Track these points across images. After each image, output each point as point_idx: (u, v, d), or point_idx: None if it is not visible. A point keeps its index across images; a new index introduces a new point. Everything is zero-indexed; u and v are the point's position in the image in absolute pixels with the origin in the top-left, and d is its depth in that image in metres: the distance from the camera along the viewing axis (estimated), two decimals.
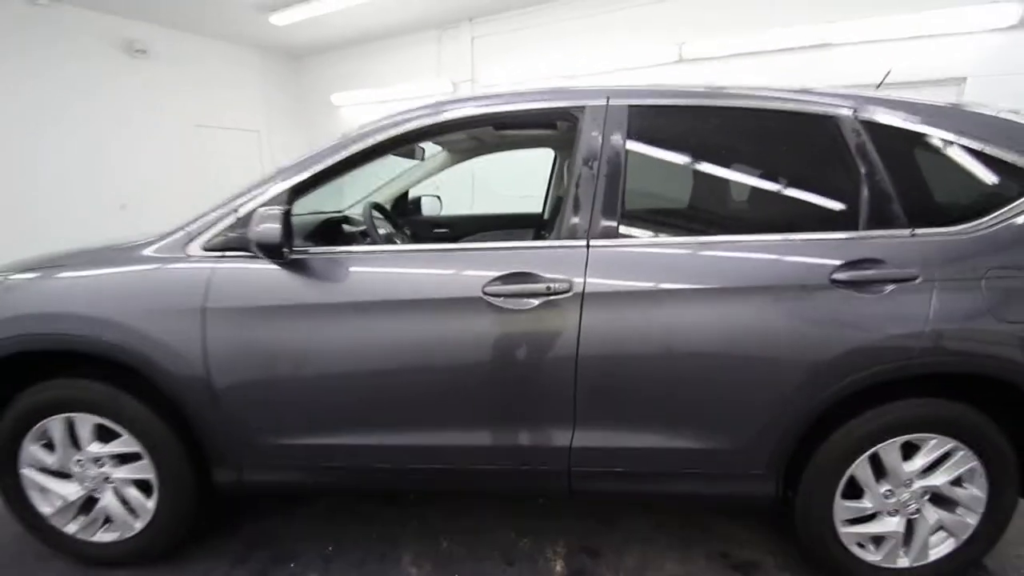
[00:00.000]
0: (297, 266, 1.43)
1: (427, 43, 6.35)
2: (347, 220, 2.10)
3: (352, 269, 1.45)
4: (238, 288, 1.44)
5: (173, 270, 1.47)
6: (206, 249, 1.47)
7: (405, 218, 2.95)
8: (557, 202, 2.90)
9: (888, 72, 2.05)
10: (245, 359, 1.43)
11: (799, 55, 4.41)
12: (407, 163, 2.83)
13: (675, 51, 4.82)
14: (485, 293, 1.38)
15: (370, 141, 1.49)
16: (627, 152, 1.45)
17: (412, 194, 2.99)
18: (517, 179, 6.11)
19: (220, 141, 6.78)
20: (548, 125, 1.93)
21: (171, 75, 6.28)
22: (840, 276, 1.35)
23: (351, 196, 2.93)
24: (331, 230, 1.90)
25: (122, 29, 5.87)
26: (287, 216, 1.35)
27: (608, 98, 1.48)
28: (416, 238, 2.93)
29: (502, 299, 1.38)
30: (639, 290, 1.39)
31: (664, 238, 1.47)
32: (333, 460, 1.51)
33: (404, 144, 1.54)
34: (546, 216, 2.98)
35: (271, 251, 1.35)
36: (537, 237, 2.99)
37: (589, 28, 5.36)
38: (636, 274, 1.40)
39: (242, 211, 1.46)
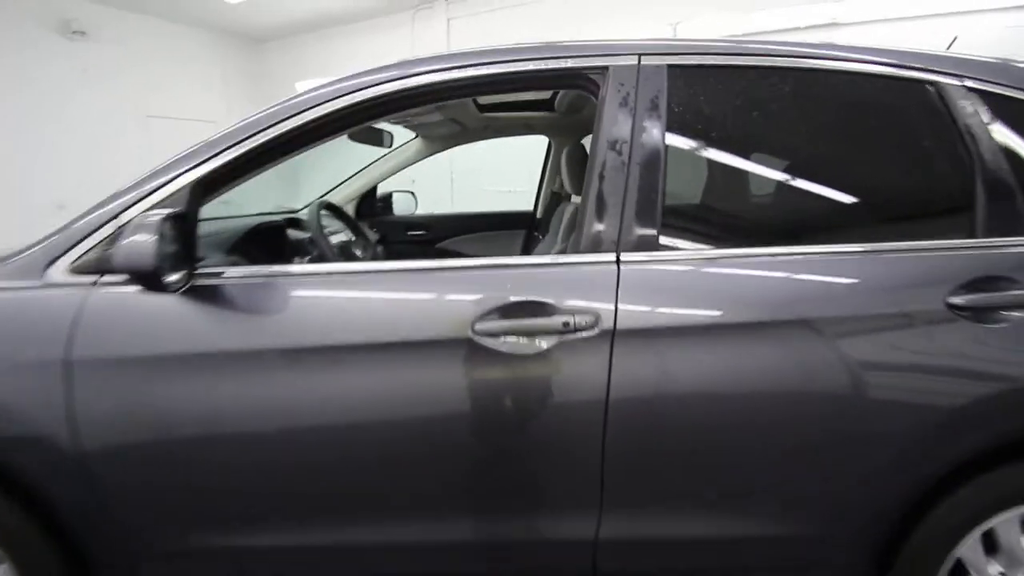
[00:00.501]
0: (205, 296, 1.00)
1: (399, 26, 5.86)
2: (295, 224, 1.66)
3: (285, 299, 1.02)
4: (119, 328, 1.00)
5: (22, 303, 1.02)
6: (75, 272, 1.03)
7: (373, 219, 2.52)
8: (552, 199, 2.50)
9: (954, 39, 1.69)
10: (132, 431, 1.00)
11: (805, 35, 4.08)
12: (375, 152, 2.40)
13: (669, 32, 4.45)
14: (476, 332, 0.97)
15: (309, 116, 1.05)
16: (669, 130, 1.05)
17: (381, 190, 2.56)
18: (502, 171, 5.69)
19: (174, 133, 6.19)
20: (552, 95, 1.51)
21: (116, 60, 5.67)
22: (957, 300, 0.98)
23: (310, 192, 2.49)
24: (269, 240, 1.46)
25: (56, 7, 5.25)
26: (179, 224, 0.92)
27: (640, 56, 1.07)
28: (386, 242, 2.50)
29: (500, 340, 0.98)
30: (692, 324, 0.99)
31: (723, 250, 1.07)
32: (264, 567, 1.08)
33: (359, 120, 1.11)
34: (539, 214, 2.58)
35: (144, 278, 0.91)
36: (529, 239, 2.59)
37: (575, 8, 4.96)
38: (687, 301, 1.01)
39: (127, 216, 1.02)
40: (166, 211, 0.91)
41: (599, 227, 1.03)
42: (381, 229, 2.51)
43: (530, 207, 2.66)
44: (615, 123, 1.05)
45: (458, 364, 0.99)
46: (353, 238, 1.64)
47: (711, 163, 1.12)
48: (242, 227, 1.38)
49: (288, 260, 1.33)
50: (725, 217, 1.14)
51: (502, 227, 2.60)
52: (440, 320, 0.99)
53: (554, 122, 2.21)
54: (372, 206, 2.54)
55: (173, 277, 0.89)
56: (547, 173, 2.51)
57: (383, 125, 1.89)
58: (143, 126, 5.89)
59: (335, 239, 1.78)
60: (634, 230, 1.02)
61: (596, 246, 1.02)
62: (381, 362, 0.98)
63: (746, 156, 1.14)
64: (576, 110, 2.03)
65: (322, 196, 2.42)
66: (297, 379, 0.98)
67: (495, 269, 1.03)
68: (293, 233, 1.58)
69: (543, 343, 0.98)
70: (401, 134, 2.22)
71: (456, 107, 1.81)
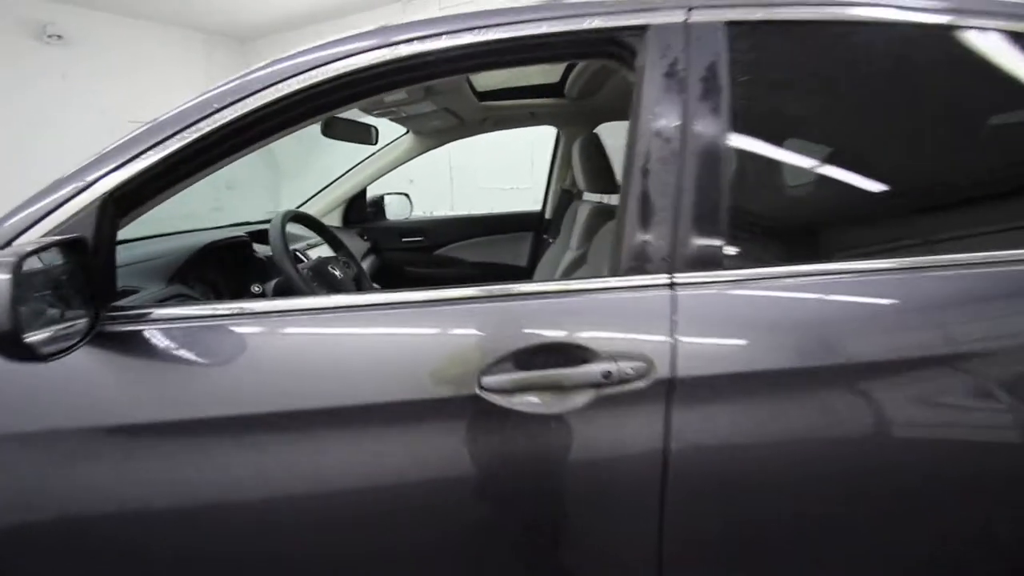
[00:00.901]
0: (120, 347, 0.74)
1: (390, 17, 5.58)
2: (261, 240, 1.40)
3: (228, 348, 0.76)
4: None
5: None
6: None
7: (363, 225, 2.26)
8: (563, 197, 2.23)
9: None
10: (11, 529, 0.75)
11: None
12: (365, 151, 2.14)
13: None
14: (484, 388, 0.71)
15: (256, 102, 0.79)
16: (734, 108, 0.78)
17: (372, 193, 2.30)
18: (504, 167, 5.41)
19: None
20: (561, 78, 1.24)
21: (95, 64, 5.41)
22: None
23: (292, 200, 2.23)
24: (225, 264, 1.19)
25: (31, 11, 5.00)
26: (76, 255, 0.67)
27: (689, 9, 0.81)
28: (378, 251, 2.24)
29: (516, 398, 0.72)
30: (786, 368, 0.73)
31: (822, 264, 0.79)
32: None
33: (327, 105, 0.85)
34: (548, 215, 2.31)
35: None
36: (537, 243, 2.32)
37: None
38: (775, 336, 0.75)
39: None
40: (40, 242, 0.66)
41: (644, 239, 0.77)
42: (372, 236, 2.26)
43: (537, 206, 2.40)
44: (660, 101, 0.78)
45: (460, 432, 0.73)
46: (332, 254, 1.37)
47: (797, 149, 0.85)
48: (189, 247, 1.12)
49: (248, 288, 1.07)
50: (823, 220, 0.86)
51: (507, 230, 2.34)
52: (435, 372, 0.73)
53: (563, 110, 1.94)
54: (362, 211, 2.29)
55: (40, 335, 0.63)
56: (556, 168, 2.25)
57: (365, 119, 1.63)
58: (126, 132, 5.64)
59: (314, 254, 1.53)
60: (693, 241, 0.76)
61: (641, 265, 0.76)
62: (354, 433, 0.73)
63: (845, 139, 0.86)
64: (589, 94, 1.76)
65: (305, 201, 2.17)
66: (241, 460, 0.72)
67: (504, 300, 0.76)
68: (261, 250, 1.33)
69: (575, 401, 0.72)
70: (388, 131, 1.95)
71: (450, 96, 1.55)
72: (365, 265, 2.05)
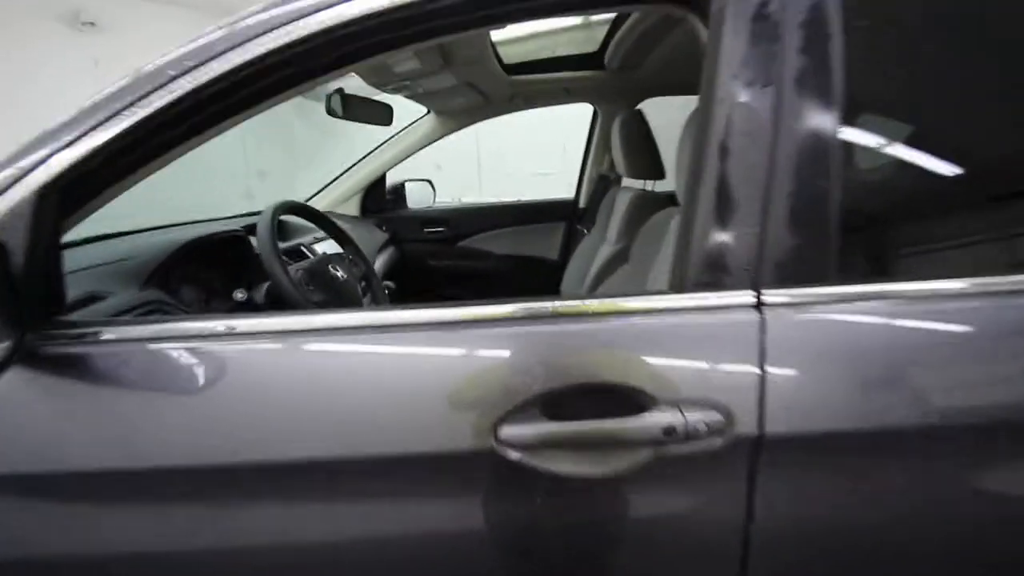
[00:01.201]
0: (55, 369, 0.59)
1: None
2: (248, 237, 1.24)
3: (179, 374, 0.60)
4: None
5: None
6: None
7: (381, 215, 2.11)
8: (599, 183, 2.02)
9: None
10: None
11: None
12: (386, 133, 1.97)
13: None
14: (502, 442, 0.54)
15: (222, 66, 0.62)
16: (848, 62, 0.57)
17: (392, 179, 2.14)
18: (535, 150, 5.18)
19: None
20: (600, 47, 1.03)
21: (127, 50, 5.41)
22: None
23: (307, 189, 2.09)
24: (212, 265, 1.03)
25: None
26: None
27: None
28: (398, 241, 2.08)
29: (544, 456, 0.54)
30: (925, 425, 0.53)
31: (975, 281, 0.56)
32: None
33: (311, 71, 0.67)
34: (583, 203, 2.10)
35: None
36: (570, 234, 2.12)
37: None
38: (907, 380, 0.54)
39: None
40: None
41: (720, 241, 0.57)
42: (392, 226, 2.10)
43: (569, 192, 2.19)
44: (746, 56, 0.58)
45: (468, 499, 0.56)
46: (338, 250, 1.21)
47: (939, 122, 0.62)
48: (170, 244, 0.97)
49: (231, 297, 0.92)
50: (978, 219, 0.62)
51: (537, 219, 2.14)
52: (435, 418, 0.55)
53: (602, 84, 1.72)
54: (380, 199, 2.13)
55: None
56: (592, 151, 2.03)
57: (380, 96, 1.46)
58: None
59: (322, 248, 1.37)
60: (788, 246, 0.56)
61: (716, 277, 0.56)
62: (343, 492, 0.56)
63: (1015, 111, 0.62)
64: (632, 65, 1.53)
65: (321, 190, 2.03)
66: (194, 519, 0.57)
67: (529, 322, 0.57)
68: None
69: (624, 463, 0.54)
70: (406, 111, 1.77)
71: (474, 68, 1.36)
72: (383, 258, 1.89)
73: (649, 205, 1.54)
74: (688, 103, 0.69)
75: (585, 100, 1.89)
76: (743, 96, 0.56)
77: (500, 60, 1.47)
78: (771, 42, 0.57)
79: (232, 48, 0.62)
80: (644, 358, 0.55)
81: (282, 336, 0.58)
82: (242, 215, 1.35)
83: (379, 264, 1.82)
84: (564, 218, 2.12)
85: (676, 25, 1.20)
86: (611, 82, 1.68)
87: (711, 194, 0.56)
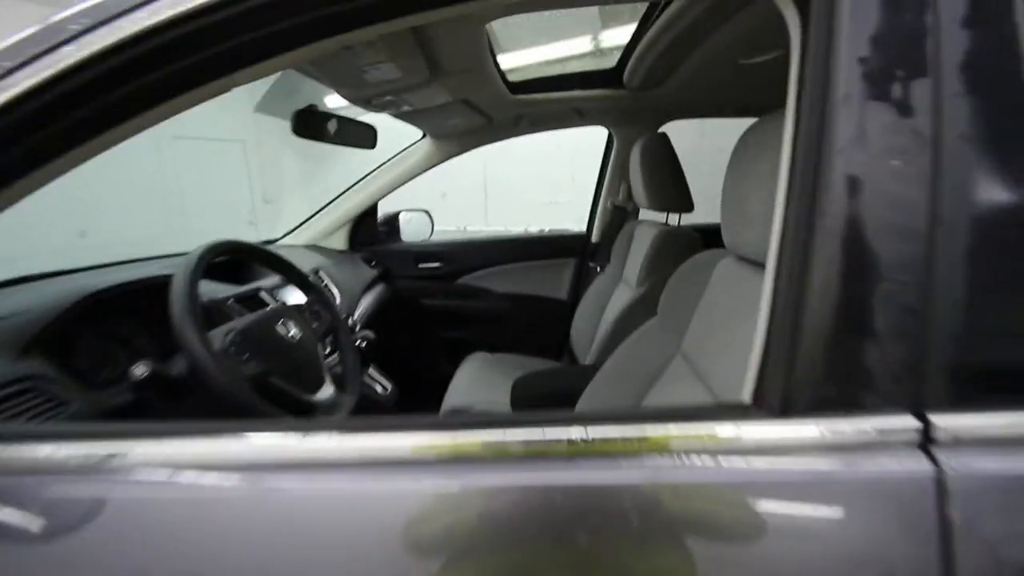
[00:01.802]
0: None
1: None
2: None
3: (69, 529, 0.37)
4: None
5: None
6: None
7: (372, 248, 1.90)
8: (614, 216, 1.80)
9: None
10: None
11: None
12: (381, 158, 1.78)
13: None
14: None
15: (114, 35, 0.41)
16: None
17: (383, 210, 1.94)
18: (544, 178, 5.01)
19: (198, 154, 5.86)
20: (620, 62, 0.83)
21: None
22: None
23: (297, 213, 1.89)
24: (153, 314, 0.80)
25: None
26: None
27: None
28: (389, 279, 1.87)
29: None
30: None
31: None
32: None
33: (245, 54, 0.46)
34: (595, 237, 1.88)
35: None
36: (580, 272, 1.90)
37: None
38: None
39: None
40: None
41: (855, 331, 0.33)
42: (384, 261, 1.89)
43: (579, 226, 1.97)
44: (882, 33, 0.35)
45: None
46: (299, 302, 0.98)
47: None
48: (66, 295, 0.75)
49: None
50: None
51: (544, 254, 1.92)
52: None
53: (620, 104, 1.52)
54: (371, 231, 1.92)
55: None
56: (607, 179, 1.82)
57: (365, 117, 1.27)
58: (166, 148, 5.58)
59: (285, 296, 1.15)
60: (976, 344, 0.32)
61: (848, 392, 0.33)
62: None
63: None
64: (656, 82, 1.33)
65: (304, 222, 1.83)
66: None
67: (533, 466, 0.34)
68: (214, 291, 0.94)
69: None
70: (393, 132, 1.57)
71: (470, 82, 1.16)
72: (371, 297, 1.67)
73: (677, 244, 1.31)
74: (721, 126, 0.47)
75: (600, 122, 1.69)
76: (878, 94, 0.34)
77: (504, 77, 1.28)
78: (922, 10, 0.34)
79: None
80: (717, 533, 0.31)
81: (148, 469, 0.36)
82: (176, 254, 1.13)
83: (367, 304, 1.60)
84: (574, 253, 1.90)
85: (712, 31, 1.00)
86: (630, 102, 1.48)
87: (833, 253, 0.33)
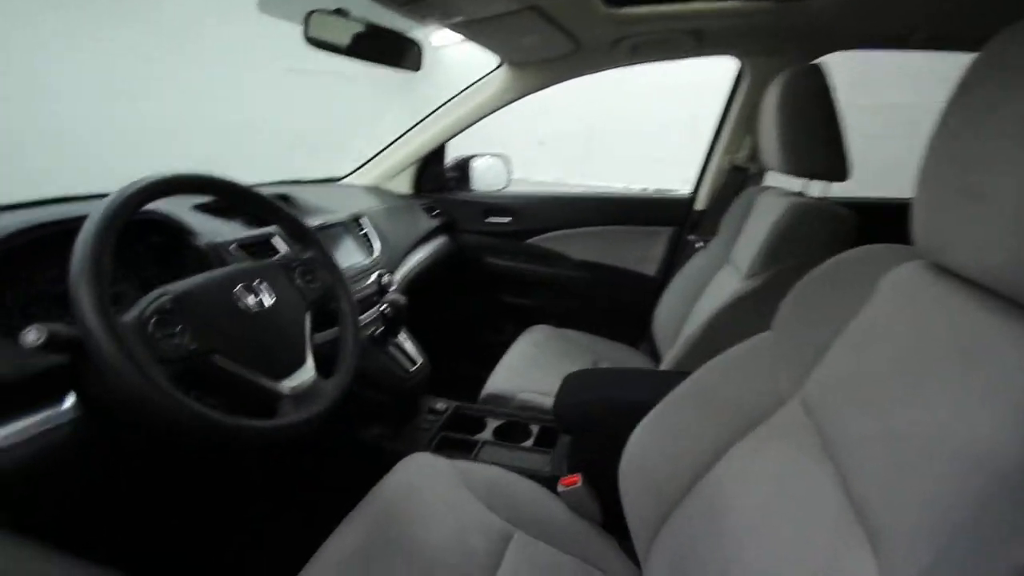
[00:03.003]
0: None
1: None
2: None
3: None
4: None
5: None
6: None
7: (435, 195, 1.69)
8: (730, 178, 1.41)
9: None
10: None
11: None
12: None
13: None
14: None
15: None
16: None
17: (453, 154, 1.71)
18: (660, 128, 4.45)
19: (310, 88, 6.01)
20: None
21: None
22: None
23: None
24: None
25: None
26: None
27: None
28: (451, 231, 1.66)
29: None
30: None
31: None
32: None
33: None
34: (700, 204, 1.50)
35: None
36: (676, 245, 1.55)
37: None
38: None
39: None
40: None
41: None
42: (448, 211, 1.68)
43: (684, 188, 1.60)
44: None
45: None
46: (288, 250, 0.78)
47: None
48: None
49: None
50: None
51: (635, 218, 1.59)
52: None
53: (760, 23, 1.11)
54: (438, 177, 1.71)
55: None
56: (726, 130, 1.41)
57: (405, 28, 1.01)
58: (280, 81, 5.78)
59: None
60: None
61: None
62: None
63: None
64: None
65: (364, 164, 1.65)
66: None
67: None
68: (206, 231, 0.77)
69: None
70: (451, 54, 1.30)
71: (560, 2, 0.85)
72: (428, 250, 1.48)
73: (818, 224, 0.94)
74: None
75: (726, 50, 1.28)
76: None
77: None
78: None
79: None
80: None
81: None
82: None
83: (418, 258, 1.41)
84: (672, 221, 1.54)
85: None
86: (774, 19, 1.06)
87: None
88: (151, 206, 0.79)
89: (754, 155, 1.33)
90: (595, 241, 1.62)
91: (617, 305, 1.62)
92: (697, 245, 1.43)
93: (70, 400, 0.60)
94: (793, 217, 0.97)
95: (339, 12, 0.84)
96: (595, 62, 1.31)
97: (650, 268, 1.58)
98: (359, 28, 0.85)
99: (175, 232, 0.82)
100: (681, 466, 0.65)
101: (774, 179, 1.22)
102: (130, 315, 0.53)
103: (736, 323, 0.96)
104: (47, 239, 0.63)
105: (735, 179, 1.38)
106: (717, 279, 1.20)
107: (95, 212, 0.53)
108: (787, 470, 0.53)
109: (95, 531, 0.82)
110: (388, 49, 0.92)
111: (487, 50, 1.26)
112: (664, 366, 1.04)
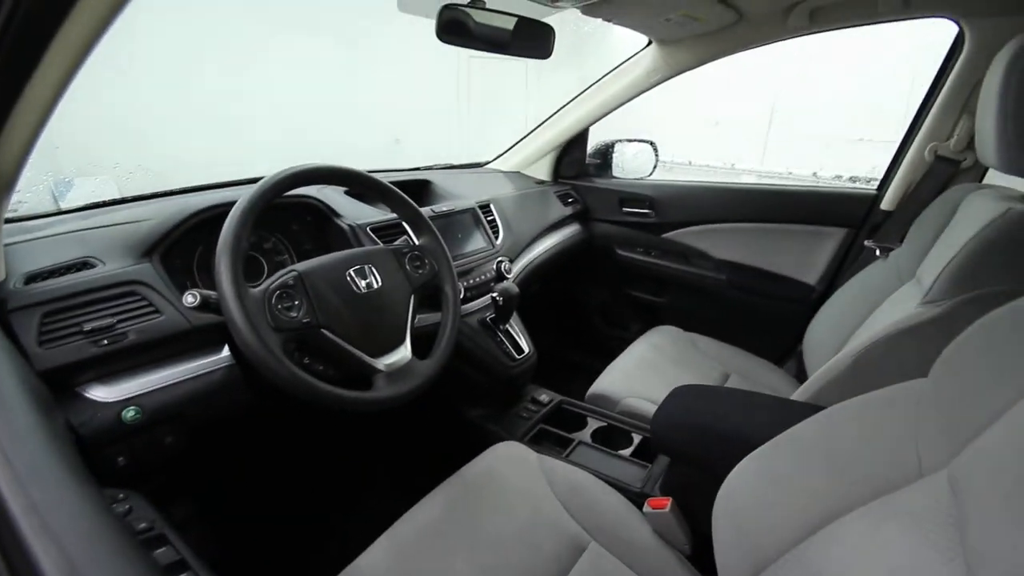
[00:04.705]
0: None
1: None
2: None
3: None
4: None
5: None
6: None
7: (574, 182, 1.66)
8: (934, 171, 1.14)
9: None
10: None
11: None
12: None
13: None
14: None
15: None
16: None
17: (595, 139, 1.65)
18: (854, 104, 3.74)
19: (488, 73, 6.34)
20: None
21: None
22: None
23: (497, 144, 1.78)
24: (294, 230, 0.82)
25: None
26: None
27: None
28: (585, 220, 1.62)
29: None
30: None
31: None
32: None
33: None
34: (887, 204, 1.22)
35: None
36: (848, 253, 1.31)
37: None
38: None
39: None
40: None
41: None
42: (584, 199, 1.64)
43: (870, 177, 1.31)
44: None
45: None
46: (405, 239, 0.83)
47: None
48: (183, 209, 0.79)
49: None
50: None
51: (795, 217, 1.36)
52: None
53: None
54: (579, 163, 1.67)
55: None
56: (932, 110, 1.12)
57: (542, 14, 0.97)
58: (464, 66, 6.18)
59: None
60: None
61: None
62: None
63: None
64: None
65: (508, 150, 1.69)
66: None
67: None
68: (352, 214, 0.90)
69: None
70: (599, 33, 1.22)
71: None
72: (557, 238, 1.47)
73: None
74: None
75: (941, 11, 1.00)
76: None
77: None
78: None
79: None
80: None
81: None
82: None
83: (544, 246, 1.41)
84: (847, 222, 1.28)
85: None
86: None
87: None
88: (307, 191, 0.93)
89: (968, 144, 1.04)
90: (744, 239, 1.43)
91: (763, 314, 1.42)
92: (876, 253, 1.17)
93: (225, 350, 0.74)
94: (1012, 228, 0.74)
95: (474, 3, 0.86)
96: (762, 33, 1.14)
97: (810, 276, 1.35)
98: (492, 19, 0.86)
99: (326, 214, 0.95)
100: (783, 521, 0.55)
101: (997, 178, 0.94)
102: (259, 288, 0.63)
103: (901, 356, 0.77)
104: (212, 220, 0.78)
105: (939, 173, 1.09)
106: (895, 298, 0.97)
107: (240, 201, 0.63)
108: (908, 562, 0.42)
109: (227, 457, 1.01)
110: (521, 38, 0.91)
111: (630, 28, 1.17)
112: (798, 394, 0.89)
